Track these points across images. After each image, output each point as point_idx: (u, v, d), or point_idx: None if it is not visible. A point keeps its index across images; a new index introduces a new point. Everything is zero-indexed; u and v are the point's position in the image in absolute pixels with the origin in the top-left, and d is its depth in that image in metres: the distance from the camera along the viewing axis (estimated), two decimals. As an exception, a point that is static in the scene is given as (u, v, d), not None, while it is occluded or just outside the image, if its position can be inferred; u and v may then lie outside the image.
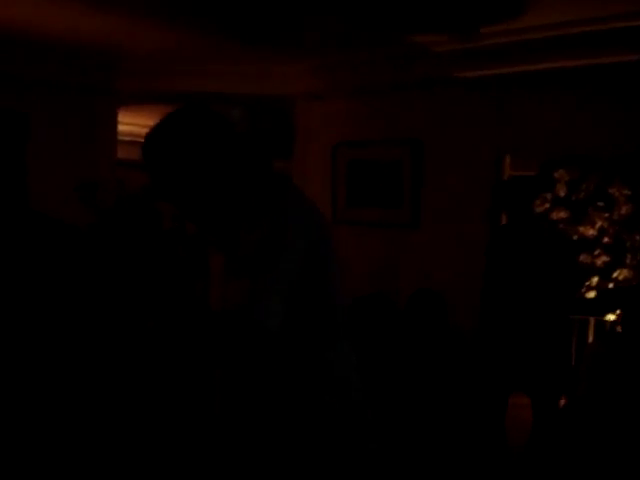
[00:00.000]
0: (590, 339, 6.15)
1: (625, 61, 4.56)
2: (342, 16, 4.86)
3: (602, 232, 6.33)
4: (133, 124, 9.69)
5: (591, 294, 6.30)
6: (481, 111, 5.38)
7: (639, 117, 4.80)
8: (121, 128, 7.88)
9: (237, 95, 7.10)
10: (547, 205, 6.27)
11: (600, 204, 6.28)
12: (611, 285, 6.27)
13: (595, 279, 6.30)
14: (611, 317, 6.01)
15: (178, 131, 1.90)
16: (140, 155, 1.94)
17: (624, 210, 6.18)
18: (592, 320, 6.19)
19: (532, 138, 5.20)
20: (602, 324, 6.13)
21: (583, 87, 4.90)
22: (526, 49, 4.85)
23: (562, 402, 5.00)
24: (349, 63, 5.99)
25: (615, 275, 6.25)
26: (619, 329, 5.82)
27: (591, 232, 6.31)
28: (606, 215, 6.27)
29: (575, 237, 6.33)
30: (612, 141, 4.98)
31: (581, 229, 6.33)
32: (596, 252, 6.35)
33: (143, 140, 1.97)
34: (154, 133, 1.93)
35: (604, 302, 5.92)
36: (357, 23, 4.99)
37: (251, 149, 1.96)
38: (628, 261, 6.23)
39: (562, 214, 6.28)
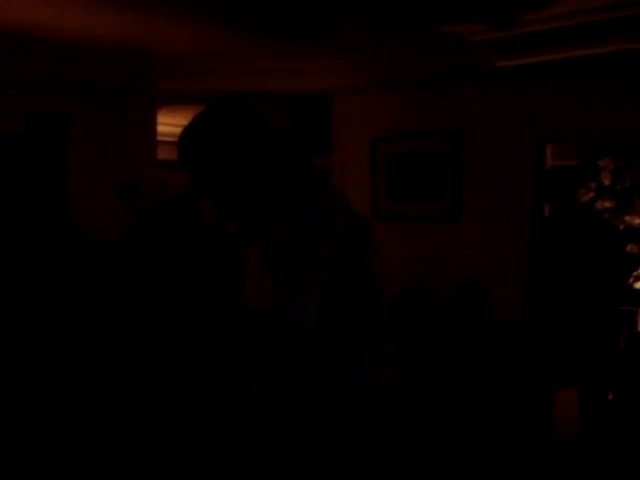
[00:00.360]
0: (639, 330, 6.03)
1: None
2: (377, 9, 4.82)
3: (649, 221, 6.19)
4: (173, 124, 9.77)
5: (639, 284, 6.17)
6: (520, 101, 5.30)
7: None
8: (161, 129, 7.94)
9: (275, 92, 7.10)
10: (592, 194, 6.15)
11: (647, 192, 6.14)
12: (660, 275, 6.13)
13: (643, 269, 6.18)
14: (660, 307, 5.88)
15: (213, 126, 1.89)
16: (177, 151, 1.93)
17: (671, 198, 6.05)
18: (640, 311, 6.07)
19: (574, 127, 5.10)
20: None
21: (623, 73, 4.79)
22: (565, 36, 4.76)
23: (610, 396, 4.89)
24: (386, 57, 5.95)
25: (663, 265, 6.12)
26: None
27: (638, 221, 6.17)
28: (654, 204, 6.14)
29: (621, 227, 6.20)
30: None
31: (627, 218, 6.20)
32: (644, 242, 6.22)
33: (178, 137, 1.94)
34: (189, 129, 1.92)
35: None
36: (392, 16, 4.94)
37: (288, 144, 1.95)
38: (676, 250, 6.09)
39: (607, 204, 6.16)
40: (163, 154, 8.17)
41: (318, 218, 1.75)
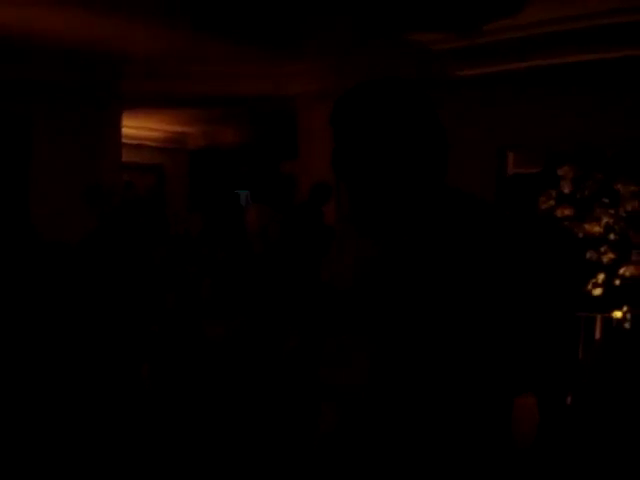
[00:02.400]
0: (597, 336, 6.13)
1: (627, 55, 4.54)
2: (344, 17, 4.86)
3: (608, 229, 6.29)
4: (138, 127, 9.74)
5: (597, 291, 6.27)
6: (482, 109, 5.38)
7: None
8: (126, 131, 7.91)
9: (241, 96, 7.12)
10: (552, 202, 6.24)
11: (605, 200, 6.24)
12: (617, 282, 6.24)
13: (601, 276, 6.27)
14: (618, 314, 5.98)
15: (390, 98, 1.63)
16: (334, 115, 1.70)
17: (630, 206, 6.15)
18: (599, 317, 6.17)
19: (534, 135, 5.20)
20: (609, 321, 6.11)
21: (585, 82, 4.89)
22: (526, 45, 4.85)
23: (569, 400, 4.98)
24: (351, 63, 6.00)
25: (622, 272, 6.22)
26: (626, 326, 5.81)
27: (597, 229, 6.27)
28: (612, 212, 6.23)
29: (581, 234, 6.30)
30: (615, 137, 4.96)
31: (586, 226, 6.29)
32: (602, 249, 6.31)
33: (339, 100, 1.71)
34: (370, 99, 1.65)
35: (611, 299, 5.91)
36: (358, 24, 4.99)
37: (445, 144, 1.69)
38: (634, 257, 6.20)
39: (567, 211, 6.25)
40: (127, 156, 8.14)
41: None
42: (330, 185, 6.05)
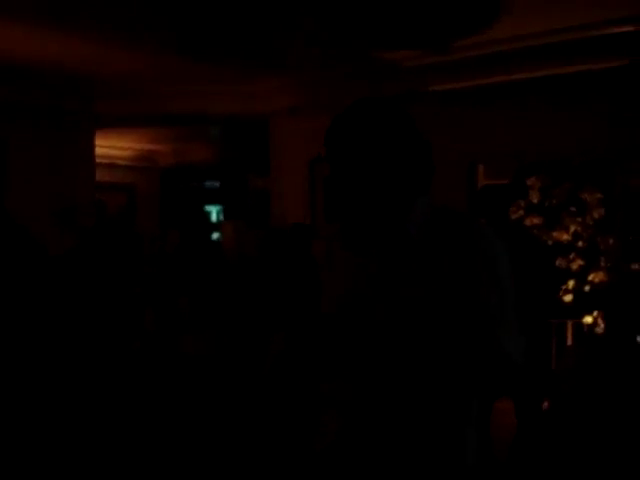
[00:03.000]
0: (569, 341, 6.26)
1: (590, 70, 4.70)
2: (314, 34, 4.95)
3: (576, 236, 6.43)
4: (110, 147, 9.75)
5: (568, 297, 6.40)
6: (453, 122, 5.51)
7: (606, 123, 4.93)
8: (98, 151, 7.92)
9: (213, 114, 7.18)
10: (521, 212, 6.36)
11: (573, 209, 6.38)
12: (587, 288, 6.37)
13: (571, 282, 6.40)
14: (588, 319, 6.11)
15: (381, 116, 1.78)
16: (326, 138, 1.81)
17: (596, 214, 6.29)
18: (570, 323, 6.29)
19: (503, 147, 5.33)
20: (580, 326, 6.23)
21: (551, 96, 5.04)
22: (494, 62, 4.99)
23: (545, 404, 5.09)
24: (323, 80, 6.10)
25: (591, 278, 6.35)
26: (597, 331, 5.93)
27: (565, 237, 6.40)
28: (579, 220, 6.37)
29: (550, 242, 6.43)
30: (581, 147, 5.12)
31: (555, 234, 6.42)
32: (571, 256, 6.44)
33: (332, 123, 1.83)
34: (349, 119, 1.80)
35: (581, 305, 6.04)
36: (330, 41, 5.09)
37: (426, 155, 1.81)
38: (602, 264, 6.33)
39: (536, 220, 6.37)
40: (99, 176, 8.14)
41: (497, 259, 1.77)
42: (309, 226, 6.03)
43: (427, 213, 1.76)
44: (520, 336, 1.77)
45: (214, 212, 12.80)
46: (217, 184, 13.21)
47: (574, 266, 6.46)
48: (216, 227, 11.02)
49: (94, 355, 4.58)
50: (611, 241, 6.25)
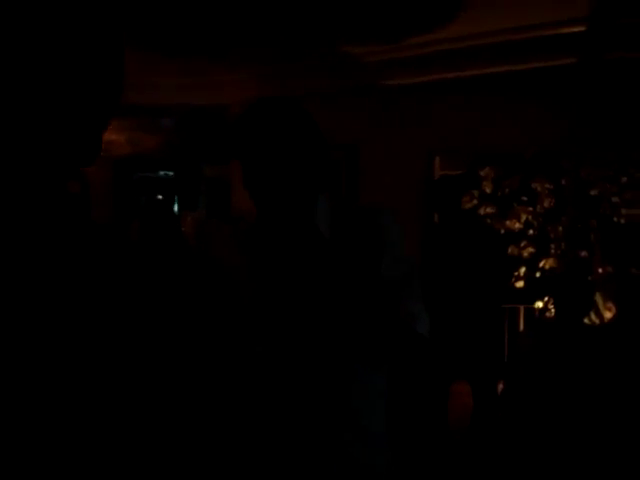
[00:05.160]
0: (521, 326, 6.48)
1: (541, 66, 4.90)
2: (273, 28, 5.04)
3: (527, 225, 6.65)
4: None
5: (520, 284, 6.63)
6: (410, 115, 5.66)
7: (555, 117, 5.14)
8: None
9: (173, 106, 7.19)
10: (475, 202, 6.56)
11: (524, 199, 6.61)
12: (538, 274, 6.61)
13: (523, 269, 6.63)
14: (539, 304, 6.35)
15: (283, 115, 1.86)
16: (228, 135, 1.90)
17: (546, 203, 6.53)
18: (522, 308, 6.52)
19: (459, 139, 5.50)
20: (531, 311, 6.46)
21: (504, 91, 5.23)
22: (449, 57, 5.14)
23: (500, 387, 5.28)
24: (281, 72, 6.17)
25: (541, 265, 6.59)
26: (548, 315, 6.17)
27: (517, 225, 6.62)
28: (530, 209, 6.60)
29: (502, 231, 6.64)
30: (532, 140, 5.32)
31: (508, 223, 6.64)
32: (522, 244, 6.67)
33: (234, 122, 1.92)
34: (255, 115, 1.88)
35: (532, 290, 6.26)
36: (290, 35, 5.17)
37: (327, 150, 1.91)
38: (552, 251, 6.58)
39: (489, 209, 6.58)
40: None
41: (397, 237, 1.90)
42: None
43: (327, 208, 1.90)
44: (426, 312, 1.92)
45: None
46: (171, 173, 13.16)
47: (525, 253, 6.70)
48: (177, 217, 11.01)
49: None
50: (560, 229, 6.49)
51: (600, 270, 6.17)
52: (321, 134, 1.89)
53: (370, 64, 5.53)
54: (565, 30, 4.51)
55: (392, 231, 1.93)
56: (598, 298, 5.66)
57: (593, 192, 6.36)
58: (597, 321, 5.60)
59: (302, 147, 1.82)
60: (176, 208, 12.74)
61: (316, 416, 1.76)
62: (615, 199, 6.39)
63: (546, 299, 6.24)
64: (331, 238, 1.87)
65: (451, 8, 4.41)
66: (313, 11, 4.66)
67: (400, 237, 1.96)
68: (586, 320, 5.37)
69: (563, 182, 6.42)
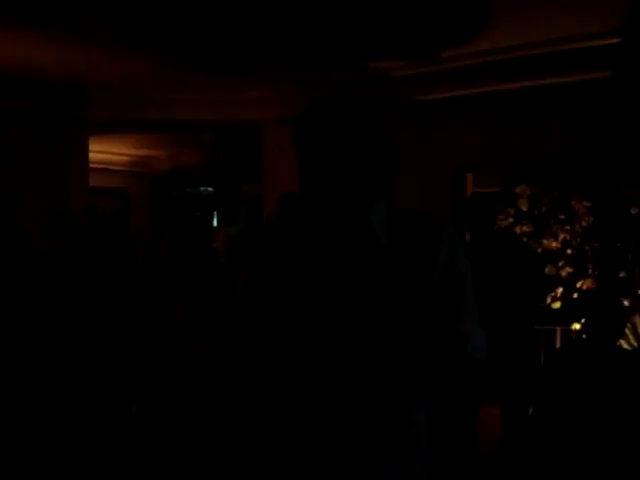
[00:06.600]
0: (557, 348, 6.32)
1: (575, 80, 4.78)
2: (305, 44, 5.01)
3: (565, 244, 6.51)
4: (104, 152, 9.78)
5: (557, 304, 6.47)
6: (441, 131, 5.56)
7: (594, 133, 5.00)
8: (92, 156, 7.96)
9: (206, 122, 7.22)
10: (511, 220, 6.44)
11: (562, 217, 6.46)
12: (575, 295, 6.44)
13: (560, 290, 6.48)
14: (576, 326, 6.18)
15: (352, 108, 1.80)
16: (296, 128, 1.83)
17: (585, 222, 6.38)
18: (559, 330, 6.36)
19: (491, 156, 5.38)
20: (569, 333, 6.30)
21: (538, 105, 5.10)
22: (482, 71, 5.04)
23: (530, 411, 5.14)
24: (313, 89, 6.15)
25: (579, 285, 6.43)
26: (584, 337, 6.00)
27: (554, 244, 6.48)
28: (568, 227, 6.46)
29: (539, 250, 6.50)
30: (569, 155, 5.18)
31: (545, 242, 6.51)
32: (560, 264, 6.52)
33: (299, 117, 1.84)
34: (322, 108, 1.81)
35: (569, 311, 6.10)
36: (320, 51, 5.15)
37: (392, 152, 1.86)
38: (590, 271, 6.41)
39: (525, 228, 6.45)
40: (94, 181, 8.18)
41: (458, 251, 1.84)
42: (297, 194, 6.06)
43: (385, 212, 1.83)
44: (482, 331, 1.83)
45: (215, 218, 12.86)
46: (211, 190, 13.25)
47: (563, 273, 6.54)
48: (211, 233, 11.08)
49: (86, 359, 4.62)
50: (599, 249, 6.32)
51: (639, 291, 5.99)
52: (387, 137, 1.84)
53: (399, 79, 5.46)
54: (599, 42, 4.39)
55: (450, 245, 1.85)
56: (637, 320, 5.48)
57: (633, 211, 6.19)
58: (636, 344, 5.41)
59: (363, 145, 1.77)
60: (215, 224, 12.83)
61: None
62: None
63: (583, 321, 6.07)
64: (387, 242, 1.82)
65: (482, 21, 4.33)
66: (346, 27, 4.63)
67: (459, 253, 1.87)
68: (624, 343, 5.21)
69: (602, 200, 6.26)
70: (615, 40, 4.37)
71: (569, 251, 6.54)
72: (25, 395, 3.42)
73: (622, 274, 6.15)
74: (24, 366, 3.44)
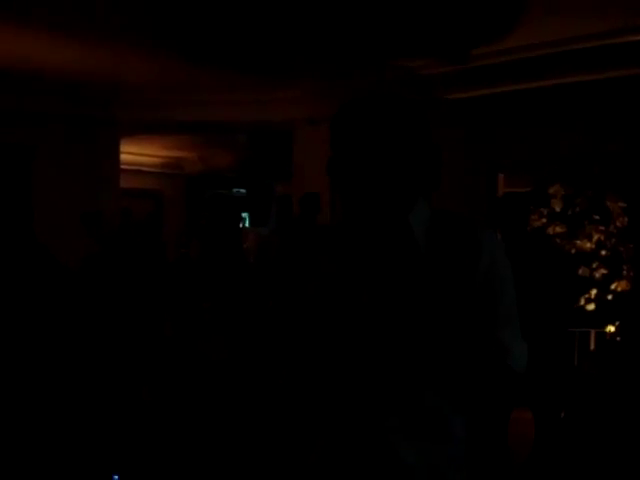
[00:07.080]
0: (591, 351, 6.22)
1: (609, 77, 4.70)
2: (334, 45, 5.00)
3: (599, 245, 6.40)
4: (136, 153, 9.86)
5: (591, 306, 6.37)
6: (472, 131, 5.51)
7: (628, 131, 4.91)
8: (124, 158, 8.03)
9: (237, 123, 7.24)
10: (544, 220, 6.34)
11: (596, 217, 6.35)
12: (610, 297, 6.33)
13: (594, 291, 6.37)
14: (611, 328, 6.07)
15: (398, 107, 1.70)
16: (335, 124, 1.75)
17: (619, 222, 6.26)
18: (593, 332, 6.26)
19: (523, 155, 5.32)
20: (603, 335, 6.20)
21: (572, 104, 5.03)
22: (513, 69, 4.99)
23: (562, 414, 5.06)
24: (343, 88, 6.12)
25: (613, 287, 6.32)
26: (619, 339, 5.90)
27: (588, 245, 6.38)
28: (602, 228, 6.34)
29: (573, 251, 6.40)
30: (602, 154, 5.10)
31: (578, 243, 6.40)
32: (594, 265, 6.41)
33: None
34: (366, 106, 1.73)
35: (604, 313, 6.00)
36: (349, 52, 5.13)
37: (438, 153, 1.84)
38: (625, 273, 6.30)
39: (559, 229, 6.35)
40: (126, 182, 8.24)
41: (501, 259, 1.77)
42: (318, 194, 6.01)
43: (427, 213, 1.77)
44: (523, 342, 1.77)
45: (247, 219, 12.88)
46: (243, 191, 13.29)
47: (597, 275, 6.43)
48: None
49: (114, 361, 4.64)
50: (633, 250, 6.21)
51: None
52: (429, 137, 1.73)
53: (428, 78, 5.43)
54: (630, 38, 4.31)
55: (491, 251, 1.76)
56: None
57: (668, 211, 6.06)
58: (672, 347, 5.31)
59: (402, 143, 1.67)
60: (247, 225, 12.86)
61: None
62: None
63: (617, 323, 5.97)
64: (426, 245, 1.75)
65: (514, 19, 4.27)
66: (376, 26, 4.60)
67: (500, 256, 1.79)
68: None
69: (637, 200, 6.13)
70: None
71: (603, 252, 6.42)
72: (36, 393, 3.45)
73: (658, 275, 6.03)
74: (31, 369, 3.47)
